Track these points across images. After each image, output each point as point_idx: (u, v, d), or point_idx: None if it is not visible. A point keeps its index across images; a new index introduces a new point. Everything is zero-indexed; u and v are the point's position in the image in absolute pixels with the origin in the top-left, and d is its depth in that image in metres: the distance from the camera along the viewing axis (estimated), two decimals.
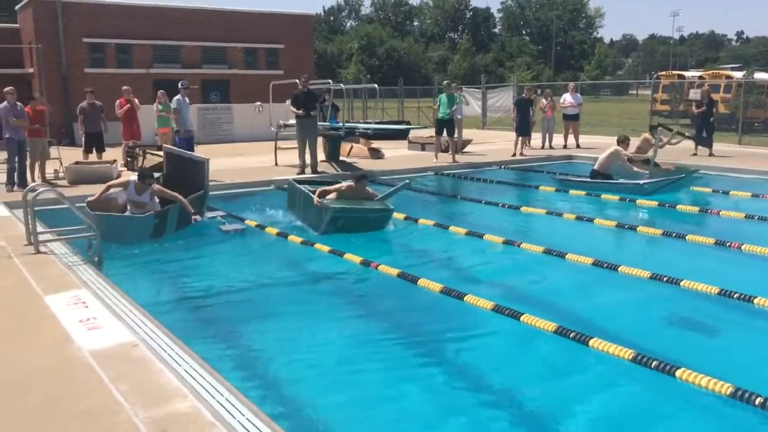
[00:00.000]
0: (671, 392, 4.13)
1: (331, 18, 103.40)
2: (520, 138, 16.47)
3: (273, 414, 3.59)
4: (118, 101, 14.48)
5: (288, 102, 13.84)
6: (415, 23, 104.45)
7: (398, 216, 8.92)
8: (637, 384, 4.29)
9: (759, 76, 32.42)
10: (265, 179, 12.47)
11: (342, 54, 79.74)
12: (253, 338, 5.19)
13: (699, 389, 4.06)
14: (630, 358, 4.45)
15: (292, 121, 13.72)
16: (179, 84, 13.11)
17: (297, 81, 13.43)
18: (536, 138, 18.26)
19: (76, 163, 12.78)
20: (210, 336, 5.19)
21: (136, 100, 14.60)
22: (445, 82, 17.49)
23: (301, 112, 12.85)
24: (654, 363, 4.32)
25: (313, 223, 8.44)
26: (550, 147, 17.75)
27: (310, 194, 8.55)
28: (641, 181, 10.88)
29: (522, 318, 5.22)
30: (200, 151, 16.67)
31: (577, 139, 18.07)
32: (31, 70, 22.27)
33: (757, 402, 3.78)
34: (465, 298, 5.74)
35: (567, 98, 18.09)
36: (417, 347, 4.98)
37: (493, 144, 19.29)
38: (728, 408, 3.89)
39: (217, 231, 8.69)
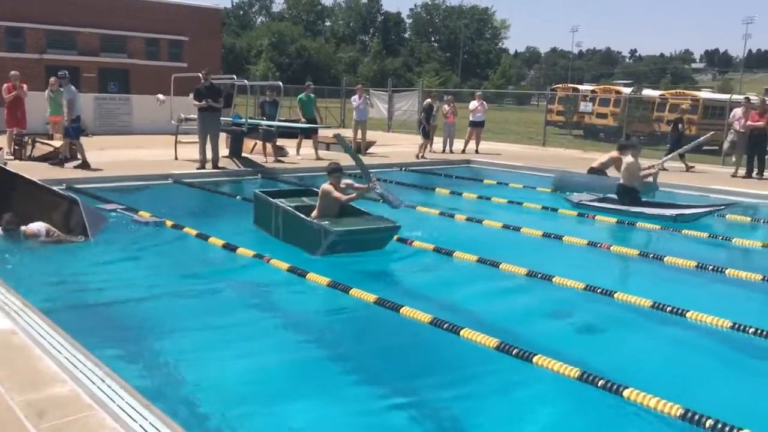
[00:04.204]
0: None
1: (241, 12, 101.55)
2: (425, 141, 17.07)
3: (154, 399, 3.68)
4: (5, 86, 13.76)
5: (191, 96, 13.67)
6: (327, 23, 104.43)
7: None
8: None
9: (647, 92, 34.87)
10: (163, 173, 12.29)
11: (251, 50, 78.58)
12: (142, 331, 5.17)
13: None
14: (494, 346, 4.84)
15: (194, 115, 13.56)
16: (61, 74, 12.64)
17: (200, 74, 13.29)
18: (437, 142, 18.88)
19: None
20: (98, 328, 5.16)
21: (25, 87, 13.90)
22: (307, 83, 17.88)
23: (203, 103, 12.75)
24: (515, 351, 4.72)
25: (302, 244, 7.55)
26: (450, 151, 18.43)
27: (292, 210, 7.75)
28: (674, 212, 9.87)
29: (402, 310, 5.54)
30: (95, 143, 16.23)
31: (477, 145, 18.84)
32: None
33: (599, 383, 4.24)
34: (350, 292, 6.00)
35: (475, 105, 18.87)
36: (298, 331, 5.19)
37: (396, 146, 19.76)
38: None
39: (128, 222, 8.52)
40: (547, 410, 4.18)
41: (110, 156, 14.04)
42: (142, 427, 3.24)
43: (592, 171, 12.68)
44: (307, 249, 7.39)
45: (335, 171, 7.89)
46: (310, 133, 16.51)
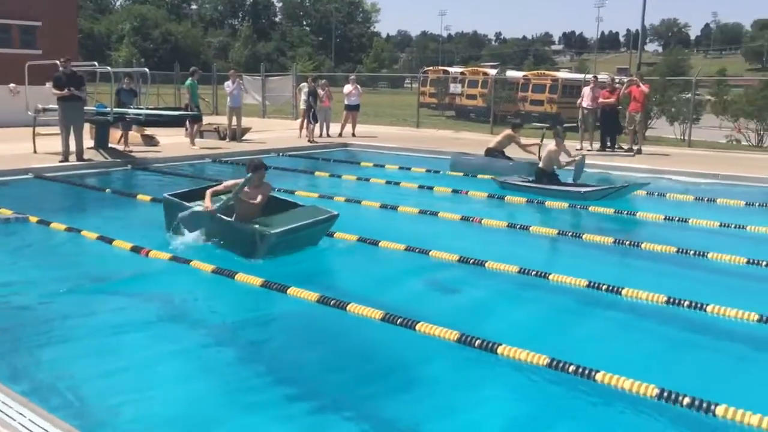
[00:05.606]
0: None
1: None
2: (310, 125, 17.11)
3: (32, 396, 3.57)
4: None
5: (49, 84, 12.85)
6: (194, 7, 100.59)
7: None
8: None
9: (511, 73, 36.60)
10: (21, 167, 11.51)
11: (112, 35, 74.27)
12: (12, 333, 4.94)
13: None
14: (380, 318, 5.07)
15: (54, 105, 12.76)
16: None
17: (57, 62, 12.51)
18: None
19: None
20: None
21: None
22: (192, 68, 17.31)
23: (66, 91, 12.03)
24: (400, 320, 4.98)
25: (235, 248, 6.80)
26: (328, 135, 18.54)
27: (218, 216, 6.84)
28: (582, 190, 10.36)
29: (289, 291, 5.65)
30: None
31: (354, 128, 19.07)
32: None
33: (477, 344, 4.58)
34: (235, 277, 6.02)
35: (349, 89, 19.02)
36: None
37: (272, 132, 19.60)
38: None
39: None
40: (429, 370, 4.48)
41: None
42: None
43: (489, 152, 12.92)
44: (242, 253, 6.67)
45: (257, 169, 6.89)
46: (193, 120, 15.86)
